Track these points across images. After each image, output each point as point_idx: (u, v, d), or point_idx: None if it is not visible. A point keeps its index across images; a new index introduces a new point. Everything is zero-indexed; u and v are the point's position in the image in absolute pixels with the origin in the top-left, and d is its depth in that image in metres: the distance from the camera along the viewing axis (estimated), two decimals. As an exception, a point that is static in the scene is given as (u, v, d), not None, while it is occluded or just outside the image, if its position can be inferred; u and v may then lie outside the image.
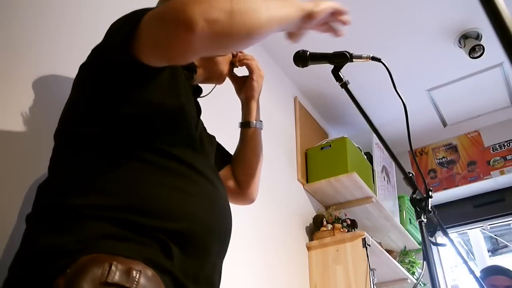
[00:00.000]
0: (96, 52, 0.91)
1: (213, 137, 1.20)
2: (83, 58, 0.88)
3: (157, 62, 0.79)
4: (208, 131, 1.18)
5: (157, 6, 1.03)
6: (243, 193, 1.21)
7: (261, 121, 1.23)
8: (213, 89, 1.21)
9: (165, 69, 0.85)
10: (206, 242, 0.80)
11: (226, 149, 1.26)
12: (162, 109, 0.85)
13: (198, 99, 1.11)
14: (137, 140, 0.81)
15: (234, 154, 1.24)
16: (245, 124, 1.21)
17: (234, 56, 1.19)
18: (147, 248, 0.70)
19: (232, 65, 1.19)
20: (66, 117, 0.89)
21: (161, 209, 0.75)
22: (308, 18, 0.87)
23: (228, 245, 0.91)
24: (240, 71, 1.24)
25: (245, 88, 1.21)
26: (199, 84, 1.16)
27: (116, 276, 0.63)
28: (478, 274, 2.62)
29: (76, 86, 0.92)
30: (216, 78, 1.17)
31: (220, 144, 1.25)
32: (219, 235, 0.85)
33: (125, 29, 0.78)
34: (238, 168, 1.21)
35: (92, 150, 0.79)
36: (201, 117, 1.08)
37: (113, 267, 0.63)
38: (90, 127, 0.81)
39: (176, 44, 0.71)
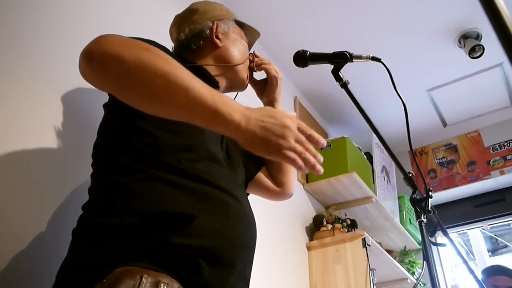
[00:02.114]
0: None
1: (240, 147, 1.22)
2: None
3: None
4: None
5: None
6: (281, 190, 1.26)
7: None
8: (236, 96, 1.25)
9: None
10: (231, 256, 0.84)
11: None
12: (176, 131, 0.90)
13: None
14: (161, 163, 0.86)
15: None
16: None
17: (251, 61, 1.22)
18: (175, 263, 0.76)
19: (251, 70, 1.23)
20: (98, 147, 0.97)
21: (187, 227, 0.80)
22: (223, 128, 0.76)
23: (253, 255, 0.95)
24: (259, 75, 1.27)
25: (266, 92, 1.25)
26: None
27: (146, 287, 0.70)
28: (478, 274, 2.62)
29: (104, 123, 0.99)
30: (238, 86, 1.21)
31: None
32: (243, 248, 0.89)
33: None
34: (272, 168, 1.25)
35: (124, 175, 0.85)
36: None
37: (143, 279, 0.71)
38: (119, 157, 0.88)
39: (82, 69, 0.80)
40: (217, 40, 1.15)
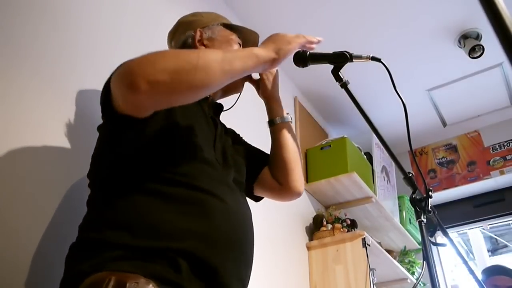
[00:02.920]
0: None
1: (243, 147, 1.24)
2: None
3: (134, 113, 0.87)
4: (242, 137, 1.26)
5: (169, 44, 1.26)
6: (286, 189, 1.22)
7: (287, 114, 1.26)
8: (237, 99, 1.25)
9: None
10: (214, 256, 0.85)
11: (262, 150, 1.29)
12: (161, 142, 0.94)
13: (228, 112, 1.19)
14: (143, 175, 0.90)
15: (269, 154, 1.26)
16: (270, 123, 1.25)
17: None
18: (153, 265, 0.79)
19: None
20: (92, 168, 1.01)
21: (166, 232, 0.83)
22: (271, 64, 0.96)
23: (249, 254, 0.96)
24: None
25: (260, 90, 1.25)
26: (219, 99, 1.21)
27: (110, 286, 0.74)
28: (478, 274, 2.62)
29: (97, 144, 1.03)
30: (233, 88, 1.21)
31: (253, 149, 1.29)
32: (232, 247, 0.90)
33: (104, 92, 0.93)
34: (273, 167, 1.23)
35: (106, 190, 0.92)
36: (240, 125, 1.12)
37: (108, 281, 0.74)
38: (105, 173, 0.94)
39: (127, 102, 0.85)
40: (201, 47, 1.17)
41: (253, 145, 1.31)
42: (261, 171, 1.24)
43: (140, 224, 0.83)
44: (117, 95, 0.87)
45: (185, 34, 1.20)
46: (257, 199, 1.30)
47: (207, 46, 1.17)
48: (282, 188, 1.22)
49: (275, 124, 1.23)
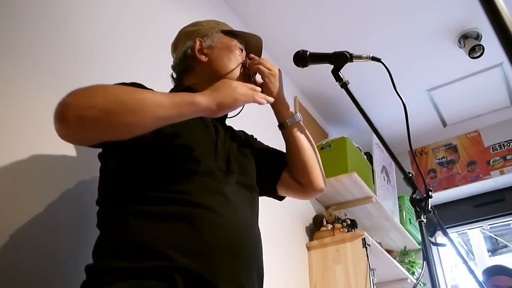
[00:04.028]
0: None
1: (256, 148, 1.23)
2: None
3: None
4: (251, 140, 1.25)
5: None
6: (308, 188, 1.22)
7: (295, 113, 1.24)
8: (242, 108, 1.23)
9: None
10: (208, 270, 0.86)
11: (279, 150, 1.28)
12: (152, 161, 0.96)
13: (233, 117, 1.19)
14: (135, 197, 0.93)
15: (286, 155, 1.25)
16: (280, 126, 1.23)
17: (244, 66, 1.20)
18: (149, 282, 0.81)
19: (249, 74, 1.21)
20: (98, 197, 1.02)
21: (157, 251, 0.84)
22: (209, 114, 0.94)
23: (251, 257, 0.97)
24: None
25: (264, 93, 1.19)
26: None
27: None
28: (478, 274, 2.61)
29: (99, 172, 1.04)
30: None
31: (270, 150, 1.27)
32: (225, 257, 0.89)
33: None
34: (293, 169, 1.22)
35: (107, 218, 0.95)
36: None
37: None
38: (106, 201, 0.98)
39: (61, 133, 0.85)
40: (201, 56, 1.16)
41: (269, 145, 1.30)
42: (281, 173, 1.22)
43: (131, 247, 0.86)
44: None
45: (185, 44, 1.19)
46: (282, 198, 1.30)
47: (208, 54, 1.17)
48: (304, 188, 1.22)
49: (286, 127, 1.21)
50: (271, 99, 1.05)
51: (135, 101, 0.84)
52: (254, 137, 1.30)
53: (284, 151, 1.24)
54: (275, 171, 1.22)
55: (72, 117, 0.80)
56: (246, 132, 1.29)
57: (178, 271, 0.83)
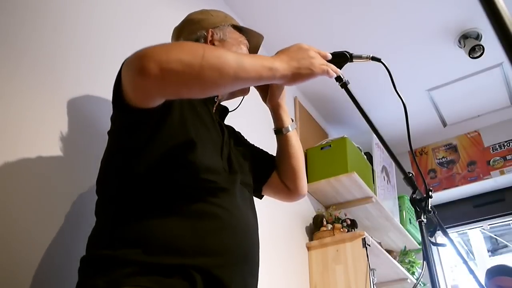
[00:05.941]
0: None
1: (248, 148, 1.23)
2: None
3: (141, 103, 0.86)
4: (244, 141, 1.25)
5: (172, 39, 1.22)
6: (294, 193, 1.26)
7: (292, 120, 1.25)
8: (241, 101, 1.24)
9: (169, 112, 0.91)
10: (225, 273, 0.86)
11: (268, 152, 1.29)
12: (173, 154, 0.93)
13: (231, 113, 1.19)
14: (156, 189, 0.90)
15: (276, 158, 1.26)
16: (277, 131, 1.23)
17: None
18: (170, 279, 0.80)
19: None
20: (101, 177, 0.99)
21: (180, 248, 0.84)
22: (282, 82, 0.94)
23: (255, 262, 0.97)
24: None
25: (268, 96, 1.20)
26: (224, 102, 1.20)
27: None
28: (478, 274, 2.60)
29: (106, 149, 1.01)
30: (240, 91, 1.18)
31: (260, 151, 1.28)
32: (240, 259, 0.91)
33: (116, 80, 0.90)
34: (282, 174, 1.24)
35: (120, 206, 0.90)
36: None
37: None
38: (118, 188, 0.93)
39: (135, 89, 0.83)
40: None
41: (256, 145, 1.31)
42: (270, 175, 1.24)
43: (153, 241, 0.84)
44: (126, 83, 0.85)
45: (196, 33, 1.17)
46: (261, 196, 1.31)
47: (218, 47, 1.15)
48: (291, 192, 1.25)
49: (284, 133, 1.21)
50: (340, 72, 1.03)
51: (218, 59, 0.82)
52: (242, 134, 1.30)
53: (274, 153, 1.26)
54: (265, 172, 1.24)
55: (156, 68, 0.77)
56: (235, 128, 1.29)
57: (199, 270, 0.82)
